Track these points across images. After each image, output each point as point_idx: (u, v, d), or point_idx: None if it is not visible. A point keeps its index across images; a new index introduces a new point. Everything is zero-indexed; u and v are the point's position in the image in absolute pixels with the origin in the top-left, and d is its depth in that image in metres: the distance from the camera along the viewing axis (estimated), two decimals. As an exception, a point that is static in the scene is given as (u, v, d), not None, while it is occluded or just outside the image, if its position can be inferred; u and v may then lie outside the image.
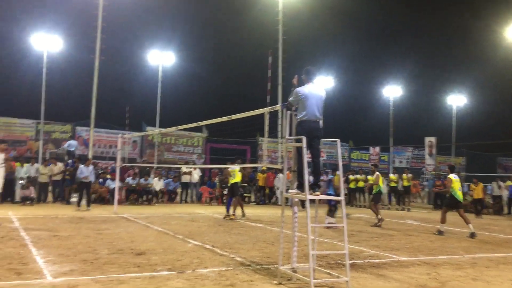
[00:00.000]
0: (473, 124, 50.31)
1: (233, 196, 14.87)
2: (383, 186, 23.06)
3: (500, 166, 52.06)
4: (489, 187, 23.64)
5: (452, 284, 6.67)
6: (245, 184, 22.56)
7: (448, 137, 45.66)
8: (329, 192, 13.43)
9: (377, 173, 14.97)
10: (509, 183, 20.71)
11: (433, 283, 6.69)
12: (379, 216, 14.01)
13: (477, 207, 19.69)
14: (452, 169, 13.47)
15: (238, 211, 14.98)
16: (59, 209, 15.76)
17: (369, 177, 22.35)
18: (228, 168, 15.61)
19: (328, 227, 12.16)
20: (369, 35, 68.83)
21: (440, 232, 12.35)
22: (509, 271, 7.77)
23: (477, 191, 19.57)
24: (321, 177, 10.79)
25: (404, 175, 22.51)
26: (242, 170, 15.42)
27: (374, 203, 14.79)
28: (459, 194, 12.62)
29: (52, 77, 31.06)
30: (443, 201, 15.39)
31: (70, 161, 19.78)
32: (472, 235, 11.96)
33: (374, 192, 15.02)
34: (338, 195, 14.06)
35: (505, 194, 21.44)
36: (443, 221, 12.52)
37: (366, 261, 8.22)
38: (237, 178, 14.90)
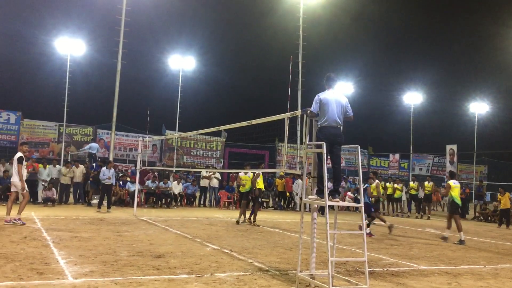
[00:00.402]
0: (496, 132, 49.52)
1: (254, 203, 14.72)
2: (402, 194, 22.85)
3: (524, 175, 50.98)
4: (512, 196, 23.10)
5: (474, 295, 6.56)
6: (263, 189, 22.55)
7: (469, 145, 44.98)
8: (364, 201, 13.21)
9: (377, 181, 14.67)
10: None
11: (454, 293, 6.59)
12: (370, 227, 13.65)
13: (502, 217, 19.14)
14: (452, 176, 13.90)
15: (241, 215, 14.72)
16: (80, 211, 15.98)
17: (387, 184, 22.16)
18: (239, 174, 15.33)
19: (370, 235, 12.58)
20: (389, 41, 68.42)
21: (461, 242, 12.19)
22: (532, 283, 7.60)
23: (504, 201, 19.05)
24: (341, 184, 10.69)
25: (427, 183, 22.21)
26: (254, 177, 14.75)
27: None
28: (458, 200, 12.99)
29: (75, 80, 31.68)
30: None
31: (94, 164, 20.10)
32: (461, 242, 12.18)
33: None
34: (373, 204, 13.87)
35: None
36: (459, 229, 12.51)
37: (385, 269, 8.13)
38: (259, 184, 14.65)
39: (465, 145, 42.68)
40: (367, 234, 12.41)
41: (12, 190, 12.00)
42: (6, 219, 11.32)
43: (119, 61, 25.73)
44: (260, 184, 14.76)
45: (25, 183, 11.69)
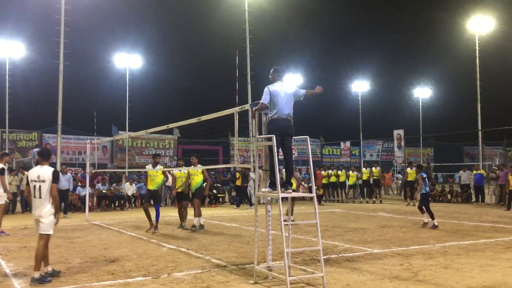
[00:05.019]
0: (439, 115, 51.52)
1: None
2: (356, 181, 23.30)
3: (467, 155, 53.49)
4: (456, 176, 24.05)
5: (424, 273, 6.81)
6: (219, 185, 22.48)
7: (416, 129, 46.60)
8: (424, 191, 12.32)
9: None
10: (475, 171, 21.19)
11: (406, 273, 6.82)
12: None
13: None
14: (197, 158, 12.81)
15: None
16: (28, 220, 15.34)
17: (339, 172, 22.66)
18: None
19: None
20: (335, 32, 69.74)
21: (200, 226, 12.11)
22: (478, 258, 7.98)
23: None
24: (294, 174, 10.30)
25: (374, 169, 22.84)
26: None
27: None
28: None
29: (16, 84, 30.39)
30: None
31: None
32: (200, 226, 12.06)
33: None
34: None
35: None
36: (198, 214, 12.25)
37: (340, 255, 8.31)
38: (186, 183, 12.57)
39: (411, 129, 44.23)
40: (434, 226, 11.85)
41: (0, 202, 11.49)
42: None
43: (61, 62, 24.75)
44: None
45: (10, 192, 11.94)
